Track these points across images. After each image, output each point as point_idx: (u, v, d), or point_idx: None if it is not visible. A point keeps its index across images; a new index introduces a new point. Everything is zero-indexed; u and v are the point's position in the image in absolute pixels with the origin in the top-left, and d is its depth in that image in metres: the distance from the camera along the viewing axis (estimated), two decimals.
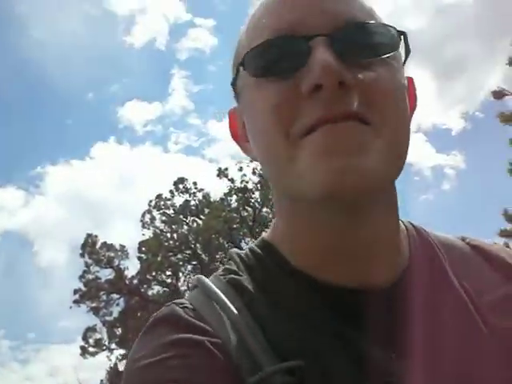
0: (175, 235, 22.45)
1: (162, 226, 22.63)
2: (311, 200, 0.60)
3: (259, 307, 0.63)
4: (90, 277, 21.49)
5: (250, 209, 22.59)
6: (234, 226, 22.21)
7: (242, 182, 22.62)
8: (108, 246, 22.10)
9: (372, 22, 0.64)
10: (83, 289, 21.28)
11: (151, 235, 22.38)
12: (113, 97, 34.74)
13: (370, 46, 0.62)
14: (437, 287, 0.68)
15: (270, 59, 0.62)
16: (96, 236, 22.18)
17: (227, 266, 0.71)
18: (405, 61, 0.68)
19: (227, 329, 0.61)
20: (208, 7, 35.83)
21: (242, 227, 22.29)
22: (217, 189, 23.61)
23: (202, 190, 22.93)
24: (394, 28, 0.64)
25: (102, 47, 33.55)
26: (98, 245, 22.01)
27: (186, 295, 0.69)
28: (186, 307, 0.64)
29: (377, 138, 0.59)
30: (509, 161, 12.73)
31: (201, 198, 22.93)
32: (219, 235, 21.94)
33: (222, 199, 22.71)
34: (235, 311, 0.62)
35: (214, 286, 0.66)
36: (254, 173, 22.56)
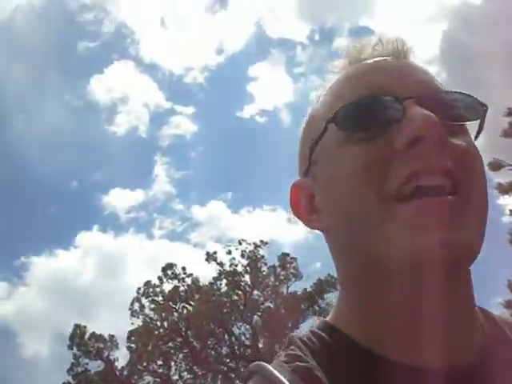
0: (165, 323, 22.09)
1: (151, 313, 22.35)
2: (396, 265, 0.57)
3: None
4: (79, 369, 20.97)
5: (240, 292, 22.40)
6: (225, 310, 21.94)
7: (231, 266, 22.61)
8: (97, 337, 21.65)
9: (457, 90, 0.64)
10: (72, 382, 20.66)
11: (140, 323, 22.02)
12: (96, 185, 35.13)
13: (457, 111, 0.62)
14: None
15: (363, 114, 0.62)
16: (85, 327, 21.81)
17: (290, 352, 0.65)
18: (476, 136, 0.65)
19: None
20: (187, 95, 37.11)
21: (233, 311, 22.00)
22: (205, 273, 23.52)
23: (190, 274, 22.84)
24: (477, 99, 0.64)
25: (85, 136, 33.95)
26: (87, 336, 21.57)
27: None
28: None
29: (467, 212, 0.58)
30: (509, 231, 12.76)
31: (190, 283, 22.79)
32: (210, 320, 21.63)
33: (211, 283, 22.56)
34: None
35: (280, 376, 0.59)
36: (242, 256, 22.61)
